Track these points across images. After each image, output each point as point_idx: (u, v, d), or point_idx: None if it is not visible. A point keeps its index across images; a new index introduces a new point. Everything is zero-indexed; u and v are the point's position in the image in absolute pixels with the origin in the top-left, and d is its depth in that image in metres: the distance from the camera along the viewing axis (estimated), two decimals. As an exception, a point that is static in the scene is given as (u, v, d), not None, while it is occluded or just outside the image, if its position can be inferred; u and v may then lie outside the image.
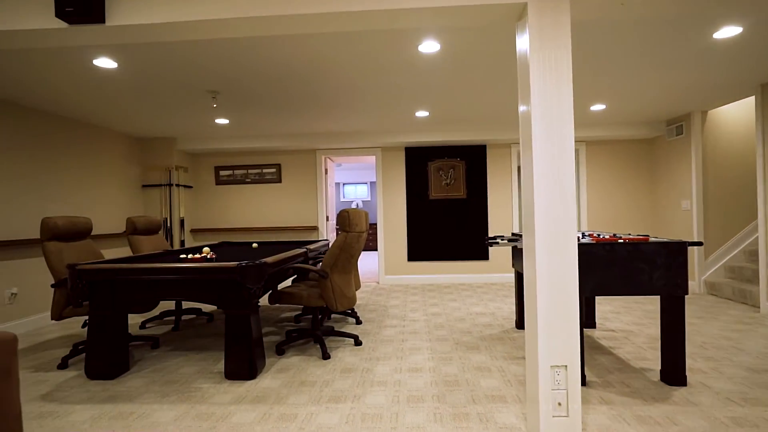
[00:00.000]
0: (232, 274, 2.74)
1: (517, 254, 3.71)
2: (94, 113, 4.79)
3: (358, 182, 13.08)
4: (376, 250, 12.47)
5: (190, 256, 3.24)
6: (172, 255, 3.84)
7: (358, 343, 3.56)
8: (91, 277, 2.84)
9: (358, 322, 4.25)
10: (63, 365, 3.17)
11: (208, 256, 3.24)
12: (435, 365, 3.04)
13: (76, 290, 2.84)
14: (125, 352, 3.04)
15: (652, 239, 2.66)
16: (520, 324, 3.88)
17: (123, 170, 5.92)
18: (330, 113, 5.11)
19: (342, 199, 13.10)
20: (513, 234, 4.04)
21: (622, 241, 2.53)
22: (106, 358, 2.89)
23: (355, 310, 4.80)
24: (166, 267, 2.78)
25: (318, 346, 3.54)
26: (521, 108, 2.10)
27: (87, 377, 2.92)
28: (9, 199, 4.19)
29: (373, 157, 7.49)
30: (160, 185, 6.29)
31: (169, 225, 6.25)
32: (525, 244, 2.11)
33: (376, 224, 12.63)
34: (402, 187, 6.61)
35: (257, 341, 2.91)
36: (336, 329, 3.98)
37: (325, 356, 3.23)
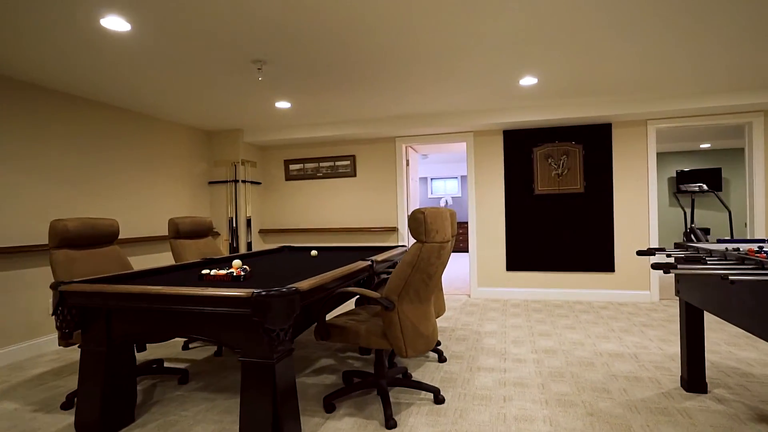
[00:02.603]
0: (243, 307, 1.83)
1: (690, 278, 2.36)
2: (142, 101, 4.28)
3: (448, 177, 11.92)
4: (466, 251, 11.21)
5: (213, 272, 2.43)
6: (201, 268, 3.10)
7: (438, 400, 2.48)
8: (79, 302, 2.13)
9: (441, 359, 3.18)
10: (67, 405, 2.54)
11: (235, 273, 2.40)
12: (563, 463, 1.87)
13: (61, 317, 2.15)
14: (128, 399, 2.30)
15: None
16: (692, 384, 2.51)
17: (188, 166, 5.47)
18: (408, 88, 4.08)
19: (430, 196, 12.05)
20: (689, 245, 2.66)
21: None
22: (98, 408, 2.17)
23: (438, 338, 3.73)
24: (156, 293, 1.96)
25: (381, 401, 2.53)
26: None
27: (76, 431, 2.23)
28: (65, 199, 3.80)
29: (464, 143, 6.32)
30: (226, 181, 5.77)
31: (234, 225, 5.71)
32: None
33: (467, 223, 11.41)
34: (499, 179, 5.37)
35: (285, 399, 1.98)
36: (409, 373, 2.95)
37: (390, 423, 2.20)
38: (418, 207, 6.55)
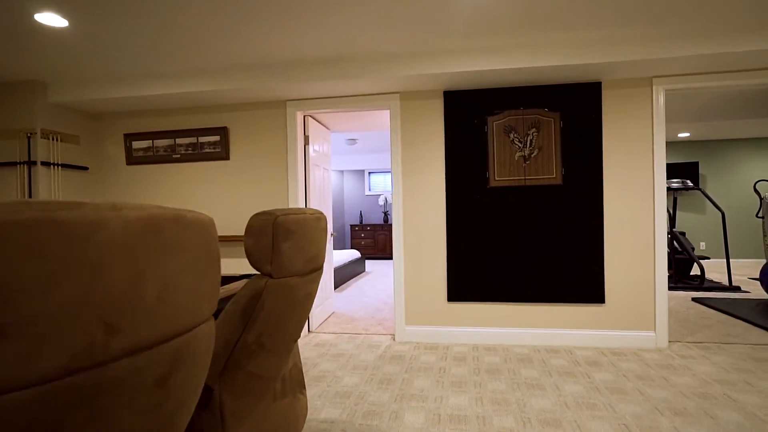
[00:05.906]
0: None
1: None
2: None
3: (387, 170, 10.16)
4: (389, 258, 9.50)
5: None
6: None
7: None
8: None
9: None
10: None
11: None
12: None
13: None
14: None
15: None
16: None
17: (-56, 137, 3.33)
18: (291, 8, 2.21)
19: (367, 193, 10.25)
20: None
21: None
22: None
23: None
24: None
25: None
26: None
27: None
28: None
29: (386, 112, 4.51)
30: (17, 163, 3.66)
31: (28, 233, 3.60)
32: None
33: (390, 225, 9.72)
34: (438, 164, 3.61)
35: None
36: None
37: None
38: (329, 208, 4.68)
